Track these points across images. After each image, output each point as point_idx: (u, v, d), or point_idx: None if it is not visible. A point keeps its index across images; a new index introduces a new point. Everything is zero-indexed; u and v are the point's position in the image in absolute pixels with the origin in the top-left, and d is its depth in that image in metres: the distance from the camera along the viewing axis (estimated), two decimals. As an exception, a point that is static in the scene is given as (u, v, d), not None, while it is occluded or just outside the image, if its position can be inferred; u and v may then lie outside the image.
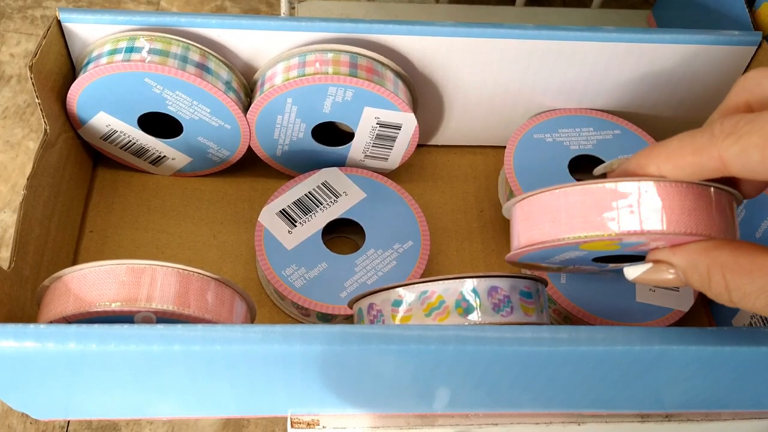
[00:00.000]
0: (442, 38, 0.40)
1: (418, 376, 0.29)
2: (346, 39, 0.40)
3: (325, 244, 0.40)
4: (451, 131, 0.47)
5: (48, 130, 0.37)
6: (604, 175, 0.31)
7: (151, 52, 0.38)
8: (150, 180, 0.45)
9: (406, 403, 0.33)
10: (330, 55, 0.39)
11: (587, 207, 0.26)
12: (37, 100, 0.37)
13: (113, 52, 0.38)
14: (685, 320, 0.39)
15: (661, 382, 0.31)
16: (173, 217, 0.44)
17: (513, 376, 0.29)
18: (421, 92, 0.44)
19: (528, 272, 0.35)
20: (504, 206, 0.31)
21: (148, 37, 0.38)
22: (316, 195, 0.42)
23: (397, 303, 0.31)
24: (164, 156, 0.43)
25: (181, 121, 0.41)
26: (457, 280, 0.30)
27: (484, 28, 0.40)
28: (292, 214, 0.41)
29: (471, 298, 0.30)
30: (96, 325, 0.26)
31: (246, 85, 0.41)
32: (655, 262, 0.27)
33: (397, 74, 0.41)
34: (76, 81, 0.38)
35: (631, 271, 0.28)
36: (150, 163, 0.44)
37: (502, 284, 0.30)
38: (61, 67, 0.39)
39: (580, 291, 0.38)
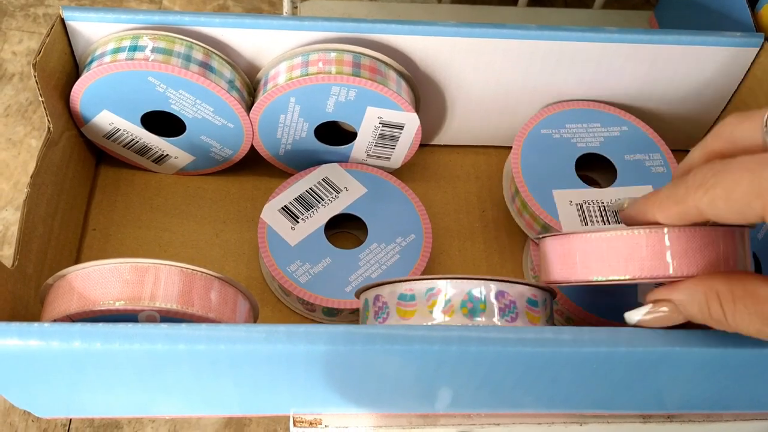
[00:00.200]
0: (445, 38, 0.40)
1: (421, 376, 0.29)
2: (349, 39, 0.40)
3: (327, 239, 0.40)
4: (453, 131, 0.47)
5: (51, 128, 0.37)
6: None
7: (154, 50, 0.38)
8: (153, 178, 0.45)
9: (409, 402, 0.33)
10: (333, 55, 0.39)
11: (616, 251, 0.29)
12: (40, 98, 0.37)
13: (117, 50, 0.38)
14: (687, 322, 0.39)
15: (662, 383, 0.31)
16: (176, 215, 0.44)
17: (516, 377, 0.29)
18: (424, 92, 0.44)
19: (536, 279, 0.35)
20: (535, 235, 0.33)
21: (151, 35, 0.38)
22: (318, 191, 0.42)
23: (403, 297, 0.31)
24: (167, 154, 0.43)
25: (184, 120, 0.41)
26: (466, 281, 0.30)
27: (486, 28, 0.40)
28: (294, 210, 0.41)
29: (478, 299, 0.30)
30: (101, 324, 0.26)
31: (249, 84, 0.41)
32: (655, 302, 0.28)
33: (400, 74, 0.41)
34: (79, 79, 0.38)
35: (633, 315, 0.29)
36: (153, 161, 0.44)
37: (510, 290, 0.31)
38: (64, 65, 0.39)
39: (583, 292, 0.38)
